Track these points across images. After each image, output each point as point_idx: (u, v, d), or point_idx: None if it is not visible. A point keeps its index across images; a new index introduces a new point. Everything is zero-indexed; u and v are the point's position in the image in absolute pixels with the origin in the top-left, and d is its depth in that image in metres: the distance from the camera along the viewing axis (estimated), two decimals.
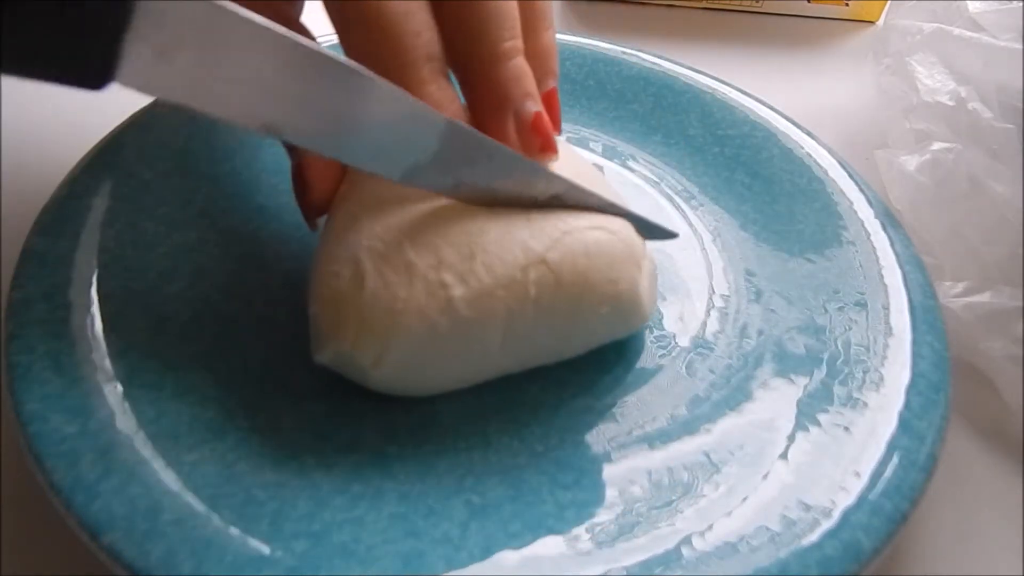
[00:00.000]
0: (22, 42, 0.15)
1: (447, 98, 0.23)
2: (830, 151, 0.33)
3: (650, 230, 0.26)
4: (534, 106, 0.24)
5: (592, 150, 0.35)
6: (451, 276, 0.22)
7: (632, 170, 0.34)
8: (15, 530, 0.23)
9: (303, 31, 0.25)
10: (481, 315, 0.22)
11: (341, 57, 0.20)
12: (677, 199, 0.33)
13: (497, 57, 0.24)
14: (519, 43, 0.24)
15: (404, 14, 0.22)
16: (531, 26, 0.25)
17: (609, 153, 0.35)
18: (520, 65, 0.24)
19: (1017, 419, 0.27)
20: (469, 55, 0.24)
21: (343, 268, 0.23)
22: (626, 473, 0.23)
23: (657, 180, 0.34)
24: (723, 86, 0.36)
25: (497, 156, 0.23)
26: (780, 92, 0.37)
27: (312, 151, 0.22)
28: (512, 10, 0.24)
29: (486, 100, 0.24)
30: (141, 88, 0.17)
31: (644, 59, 0.37)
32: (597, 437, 0.25)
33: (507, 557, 0.21)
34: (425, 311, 0.22)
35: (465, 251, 0.22)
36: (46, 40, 0.16)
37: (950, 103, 0.30)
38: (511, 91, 0.24)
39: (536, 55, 0.25)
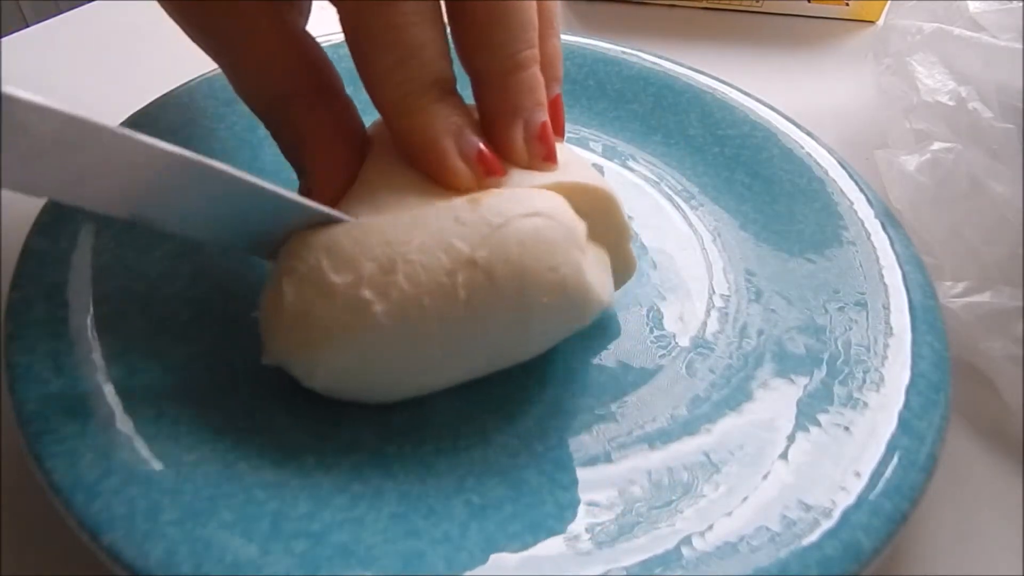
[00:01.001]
0: None
1: (454, 113, 0.23)
2: (830, 151, 0.33)
3: None
4: (543, 116, 0.24)
5: (592, 150, 0.35)
6: (371, 292, 0.21)
7: (632, 170, 0.34)
8: (15, 530, 0.23)
9: (310, 40, 0.25)
10: (408, 326, 0.21)
11: (185, 153, 0.20)
12: (677, 199, 0.33)
13: (514, 67, 0.24)
14: (536, 52, 0.24)
15: (419, 46, 0.22)
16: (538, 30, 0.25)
17: (609, 153, 0.35)
18: (535, 75, 0.24)
19: (1017, 419, 0.27)
20: (486, 62, 0.24)
21: (269, 286, 0.23)
22: (626, 473, 0.23)
23: (657, 180, 0.34)
24: (723, 86, 0.36)
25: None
26: (780, 92, 0.37)
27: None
28: (532, 18, 0.24)
29: (497, 107, 0.24)
30: (20, 189, 0.19)
31: (644, 59, 0.37)
32: (597, 437, 0.24)
33: (507, 557, 0.21)
34: (347, 328, 0.21)
35: (386, 263, 0.22)
36: None
37: (950, 103, 0.30)
38: (524, 101, 0.24)
39: (542, 61, 0.25)
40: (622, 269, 0.27)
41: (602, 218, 0.25)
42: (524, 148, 0.24)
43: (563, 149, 0.26)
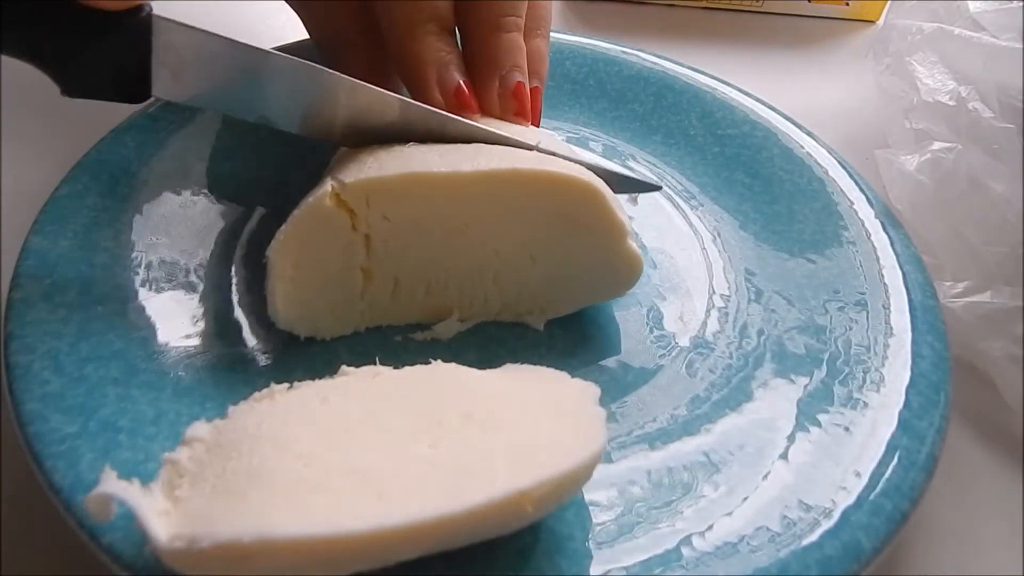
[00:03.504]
0: (83, 74, 0.24)
1: (444, 48, 0.27)
2: (830, 151, 0.33)
3: (628, 184, 0.29)
4: (519, 76, 0.27)
5: (592, 150, 0.35)
6: None
7: (632, 170, 0.34)
8: (15, 530, 0.23)
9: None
10: None
11: (294, 59, 0.25)
12: (677, 199, 0.33)
13: (497, 26, 0.27)
14: (520, 21, 0.27)
15: None
16: (525, 28, 0.28)
17: (609, 153, 0.35)
18: (516, 39, 0.27)
19: (1017, 419, 0.27)
20: (473, 19, 0.27)
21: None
22: (626, 473, 0.23)
23: (657, 180, 0.34)
24: (723, 86, 0.36)
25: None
26: (780, 92, 0.37)
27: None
28: (523, 1, 0.27)
29: (479, 62, 0.27)
30: (169, 97, 0.25)
31: (644, 59, 0.37)
32: None
33: (507, 557, 0.21)
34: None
35: None
36: (103, 74, 0.24)
37: (950, 103, 0.30)
38: (501, 59, 0.27)
39: (527, 56, 0.28)
40: (620, 269, 0.26)
41: (590, 214, 0.25)
42: (497, 100, 0.27)
43: (558, 142, 0.27)
